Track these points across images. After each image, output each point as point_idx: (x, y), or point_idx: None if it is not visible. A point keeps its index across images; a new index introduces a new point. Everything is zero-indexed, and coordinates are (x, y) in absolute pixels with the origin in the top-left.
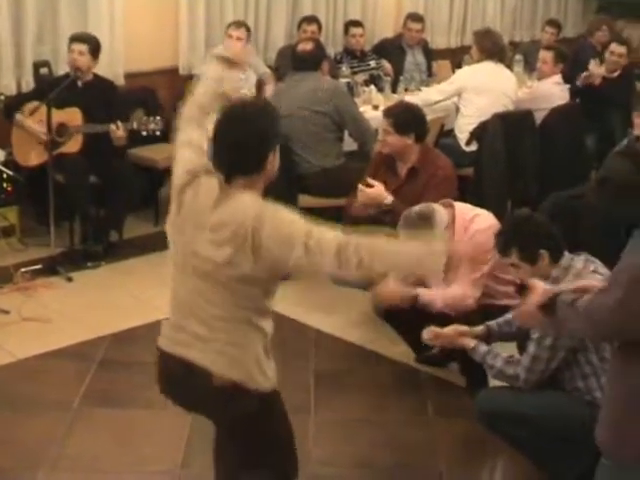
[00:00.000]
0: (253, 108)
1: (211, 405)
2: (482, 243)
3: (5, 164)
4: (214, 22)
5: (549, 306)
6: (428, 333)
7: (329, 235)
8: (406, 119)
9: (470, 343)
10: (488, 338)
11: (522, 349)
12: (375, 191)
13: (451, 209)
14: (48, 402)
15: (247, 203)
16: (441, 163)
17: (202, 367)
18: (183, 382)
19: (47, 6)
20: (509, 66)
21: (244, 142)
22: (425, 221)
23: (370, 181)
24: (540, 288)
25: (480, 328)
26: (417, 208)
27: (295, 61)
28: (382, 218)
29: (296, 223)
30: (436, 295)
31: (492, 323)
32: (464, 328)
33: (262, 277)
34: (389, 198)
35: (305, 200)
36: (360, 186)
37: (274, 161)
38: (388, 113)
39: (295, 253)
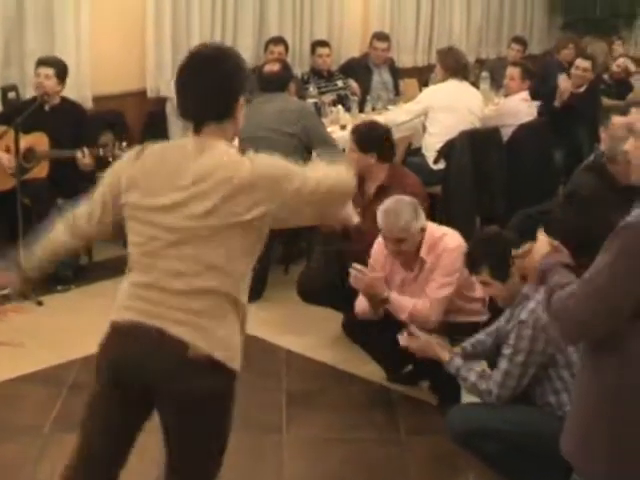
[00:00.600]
0: (218, 51)
1: (179, 378)
2: (450, 263)
3: None
4: (180, 43)
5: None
6: (404, 337)
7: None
8: (369, 137)
9: (446, 355)
10: (462, 358)
11: (492, 365)
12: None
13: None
14: (19, 427)
15: (231, 152)
16: (410, 181)
17: (178, 338)
18: (153, 353)
19: (13, 28)
20: (475, 83)
21: (215, 85)
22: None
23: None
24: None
25: (456, 349)
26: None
27: (262, 82)
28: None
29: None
30: (406, 304)
31: (466, 344)
32: (440, 340)
33: (256, 224)
34: (356, 217)
35: None
36: None
37: (243, 107)
38: (353, 131)
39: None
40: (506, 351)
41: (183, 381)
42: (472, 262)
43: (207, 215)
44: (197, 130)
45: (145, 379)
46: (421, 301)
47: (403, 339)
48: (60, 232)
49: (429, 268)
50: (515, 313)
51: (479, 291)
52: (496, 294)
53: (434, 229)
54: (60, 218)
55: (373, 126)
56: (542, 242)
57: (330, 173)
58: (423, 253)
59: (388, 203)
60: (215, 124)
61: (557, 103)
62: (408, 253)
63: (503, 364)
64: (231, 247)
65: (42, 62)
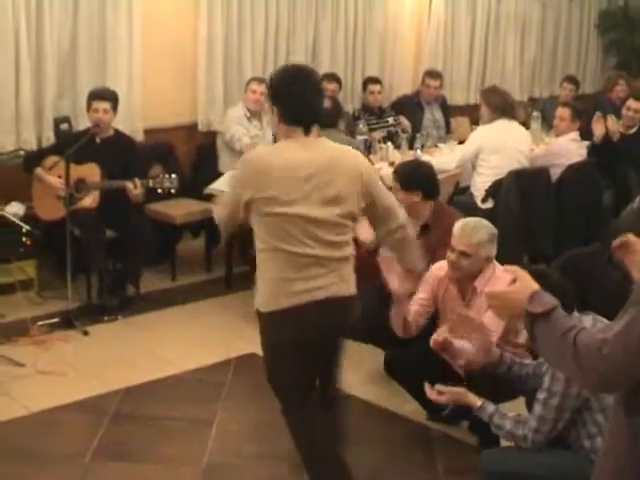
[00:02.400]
0: (308, 68)
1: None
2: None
3: (25, 218)
4: (232, 79)
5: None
6: (431, 391)
7: None
8: (413, 176)
9: (477, 402)
10: (499, 365)
11: (530, 407)
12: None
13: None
14: (60, 455)
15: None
16: (453, 220)
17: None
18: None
19: (67, 62)
20: (527, 122)
21: (320, 92)
22: None
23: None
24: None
25: (496, 352)
26: None
27: None
28: None
29: None
30: (465, 349)
31: (507, 355)
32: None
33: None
34: None
35: None
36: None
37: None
38: (396, 170)
39: None
40: (540, 395)
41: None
42: None
43: None
44: (307, 133)
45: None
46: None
47: (430, 393)
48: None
49: (482, 303)
50: None
51: (523, 337)
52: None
53: (497, 266)
54: None
55: (416, 164)
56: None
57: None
58: (478, 283)
59: (472, 218)
60: (315, 128)
61: (596, 140)
62: (465, 274)
63: (538, 409)
64: None
65: (99, 96)
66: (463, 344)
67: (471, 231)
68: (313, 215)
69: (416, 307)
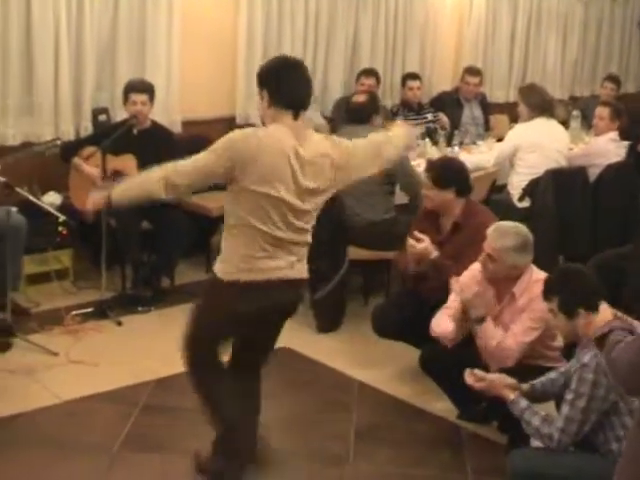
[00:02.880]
0: (298, 58)
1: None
2: (540, 309)
3: (61, 207)
4: None
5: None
6: (470, 375)
7: None
8: (446, 173)
9: (510, 395)
10: (531, 396)
11: (559, 408)
12: (423, 246)
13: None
14: (88, 445)
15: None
16: (484, 219)
17: None
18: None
19: (106, 54)
20: (566, 121)
21: (309, 81)
22: None
23: (418, 235)
24: None
25: (525, 386)
26: None
27: (348, 113)
28: (427, 272)
29: None
30: (497, 334)
31: (537, 382)
32: (510, 380)
33: None
34: (435, 253)
35: (354, 252)
36: (409, 240)
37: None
38: (429, 167)
39: None
40: (568, 396)
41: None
42: (547, 289)
43: None
44: (296, 118)
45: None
46: (509, 339)
47: (468, 378)
48: (155, 179)
49: (518, 307)
50: (580, 356)
51: (559, 340)
52: (559, 327)
53: (536, 272)
54: (160, 167)
55: (450, 162)
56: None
57: None
58: (516, 289)
59: (509, 223)
60: (304, 114)
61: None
62: (492, 277)
63: (565, 409)
64: None
65: (136, 89)
66: (497, 375)
67: (498, 235)
68: (295, 204)
69: (451, 311)
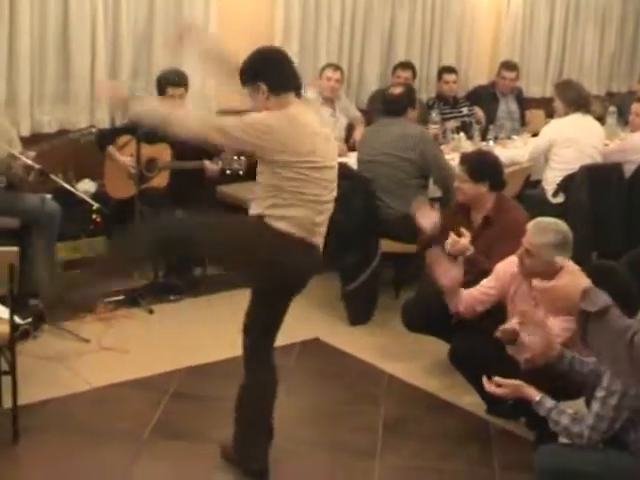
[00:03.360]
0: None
1: None
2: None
3: (95, 195)
4: (307, 65)
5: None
6: (489, 382)
7: None
8: (480, 167)
9: (535, 396)
10: (561, 361)
11: (589, 405)
12: (466, 242)
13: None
14: (118, 431)
15: None
16: (515, 215)
17: None
18: None
19: (142, 42)
20: (602, 117)
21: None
22: None
23: (462, 231)
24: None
25: (558, 348)
26: None
27: (383, 105)
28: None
29: None
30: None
31: (568, 352)
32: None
33: None
34: (471, 249)
35: (387, 244)
36: (452, 236)
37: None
38: (463, 160)
39: None
40: (599, 393)
41: None
42: None
43: None
44: (299, 95)
45: None
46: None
47: (488, 385)
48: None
49: None
50: None
51: None
52: None
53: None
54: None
55: (485, 155)
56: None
57: None
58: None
59: (546, 218)
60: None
61: None
62: (529, 273)
63: (595, 406)
64: None
65: (174, 83)
66: (531, 339)
67: (537, 231)
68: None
69: (477, 293)
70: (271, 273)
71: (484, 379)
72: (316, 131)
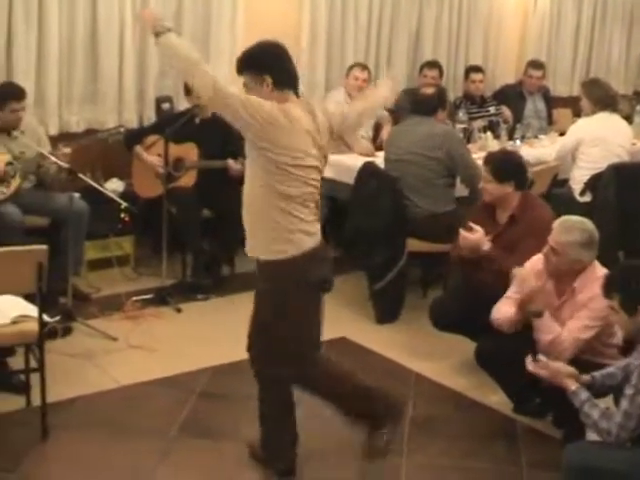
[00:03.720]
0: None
1: None
2: (600, 308)
3: (124, 194)
4: (334, 64)
5: None
6: (532, 362)
7: None
8: (505, 167)
9: (572, 385)
10: (591, 388)
11: (618, 402)
12: (475, 237)
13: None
14: (145, 429)
15: None
16: (540, 213)
17: None
18: None
19: None
20: (630, 116)
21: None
22: None
23: (472, 225)
24: None
25: (586, 377)
26: None
27: (414, 104)
28: (481, 263)
29: None
30: (555, 328)
31: (597, 374)
32: (571, 369)
33: None
34: (487, 245)
35: (413, 244)
36: (461, 231)
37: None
38: (487, 160)
39: None
40: (628, 391)
41: None
42: (607, 286)
43: None
44: (298, 94)
45: None
46: (564, 334)
47: (531, 365)
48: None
49: (578, 302)
50: None
51: (617, 338)
52: (620, 324)
53: (599, 269)
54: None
55: (509, 155)
56: None
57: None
58: (577, 284)
59: (572, 217)
60: None
61: None
62: (554, 271)
63: (624, 404)
64: None
65: None
66: (559, 364)
67: (563, 229)
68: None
69: (509, 303)
70: None
71: (527, 358)
72: (308, 129)
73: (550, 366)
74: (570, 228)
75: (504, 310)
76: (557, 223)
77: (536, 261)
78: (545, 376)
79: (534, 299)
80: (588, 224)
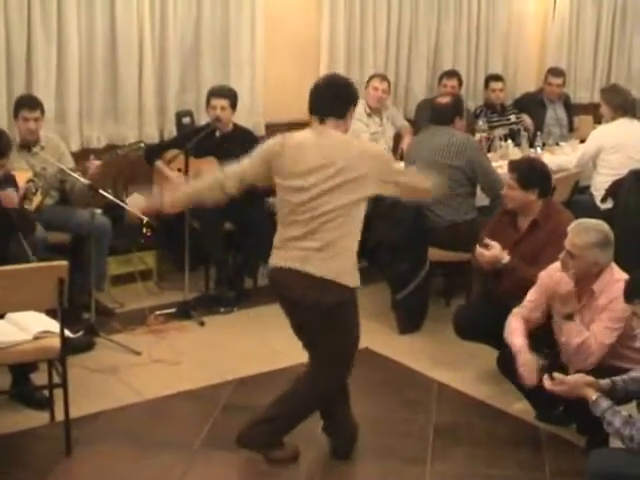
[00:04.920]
0: (342, 76)
1: None
2: (621, 309)
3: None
4: (354, 74)
5: None
6: (549, 380)
7: None
8: (530, 175)
9: (592, 395)
10: (612, 394)
11: None
12: (492, 253)
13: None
14: (169, 442)
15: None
16: (562, 218)
17: None
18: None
19: (190, 57)
20: None
21: (341, 92)
22: None
23: (488, 242)
24: None
25: (605, 382)
26: None
27: (431, 114)
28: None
29: None
30: (583, 332)
31: (618, 379)
32: (589, 378)
33: None
34: (506, 258)
35: (434, 253)
36: (478, 248)
37: (351, 118)
38: (512, 168)
39: None
40: None
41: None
42: (629, 292)
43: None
44: (322, 122)
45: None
46: (590, 339)
47: (548, 383)
48: (208, 182)
49: (599, 306)
50: None
51: None
52: None
53: (617, 272)
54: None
55: (534, 163)
56: None
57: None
58: (596, 287)
59: (590, 220)
60: (335, 121)
61: None
62: (572, 274)
63: None
64: None
65: (216, 94)
66: (577, 376)
67: (579, 232)
68: None
69: (527, 311)
70: None
71: (545, 377)
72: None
73: (567, 381)
74: (585, 230)
75: (516, 339)
76: (571, 227)
77: (553, 269)
78: (564, 392)
79: (566, 301)
80: (603, 225)
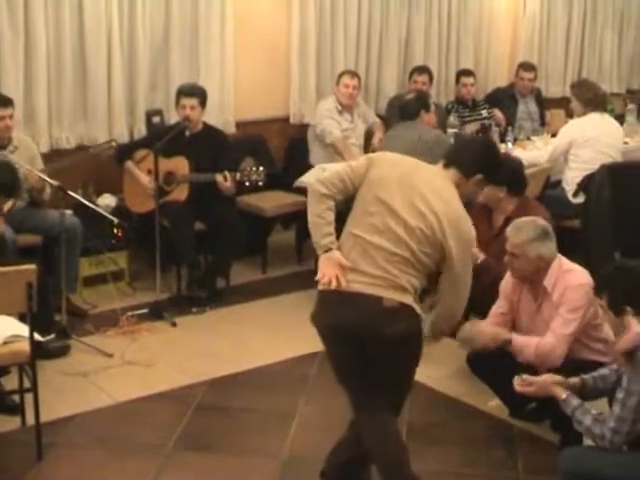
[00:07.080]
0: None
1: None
2: (574, 299)
3: (117, 210)
4: (325, 72)
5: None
6: (519, 381)
7: None
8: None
9: (562, 394)
10: (582, 391)
11: (612, 405)
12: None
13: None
14: (142, 444)
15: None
16: (537, 215)
17: None
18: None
19: (159, 55)
20: (622, 115)
21: (480, 153)
22: None
23: None
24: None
25: (575, 380)
26: None
27: (399, 111)
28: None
29: None
30: (529, 342)
31: (587, 377)
32: (558, 378)
33: None
34: (481, 257)
35: None
36: None
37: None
38: None
39: None
40: (619, 395)
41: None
42: (598, 285)
43: None
44: (445, 167)
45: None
46: (546, 337)
47: (518, 385)
48: (325, 208)
49: (555, 302)
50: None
51: (605, 333)
52: (608, 323)
53: (564, 263)
54: (316, 202)
55: (503, 159)
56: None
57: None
58: (546, 282)
59: (524, 218)
60: (458, 173)
61: None
62: (522, 275)
63: (616, 409)
64: None
65: (186, 93)
66: (545, 376)
67: (515, 231)
68: None
69: (496, 320)
70: None
71: (515, 379)
72: None
73: (535, 381)
74: (520, 228)
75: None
76: (509, 229)
77: (509, 276)
78: (533, 392)
79: (497, 339)
80: (539, 220)
